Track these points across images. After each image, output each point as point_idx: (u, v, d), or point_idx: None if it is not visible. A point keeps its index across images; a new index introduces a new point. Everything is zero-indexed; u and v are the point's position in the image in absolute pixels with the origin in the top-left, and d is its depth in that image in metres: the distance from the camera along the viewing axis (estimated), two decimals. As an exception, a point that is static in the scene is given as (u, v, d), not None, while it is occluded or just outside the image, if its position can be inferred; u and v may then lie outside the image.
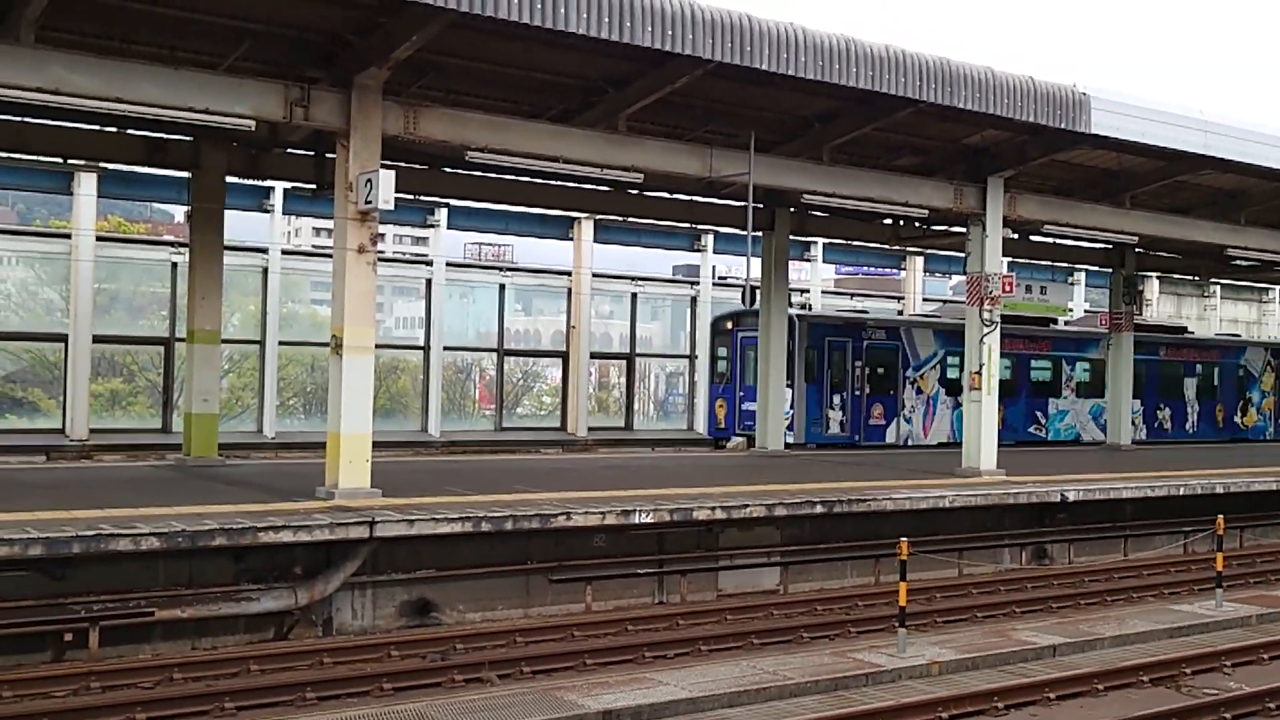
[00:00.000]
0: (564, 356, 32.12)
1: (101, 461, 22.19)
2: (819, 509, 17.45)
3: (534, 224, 31.42)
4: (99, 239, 25.84)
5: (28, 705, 10.78)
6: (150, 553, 12.77)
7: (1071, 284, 39.29)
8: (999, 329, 21.86)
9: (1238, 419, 37.80)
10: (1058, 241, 29.42)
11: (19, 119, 18.21)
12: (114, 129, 19.20)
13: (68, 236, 26.21)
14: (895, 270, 39.91)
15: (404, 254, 42.07)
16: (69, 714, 10.55)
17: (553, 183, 22.65)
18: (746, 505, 16.82)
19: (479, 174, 21.91)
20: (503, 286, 31.90)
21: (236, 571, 13.68)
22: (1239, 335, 43.06)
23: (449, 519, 14.39)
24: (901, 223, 26.34)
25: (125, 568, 12.96)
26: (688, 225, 30.91)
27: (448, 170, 21.82)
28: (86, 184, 25.11)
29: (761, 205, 24.51)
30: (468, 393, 33.80)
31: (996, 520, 20.27)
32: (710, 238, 33.84)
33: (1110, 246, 30.11)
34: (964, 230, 22.49)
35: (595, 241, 32.11)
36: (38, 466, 19.47)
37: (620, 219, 29.92)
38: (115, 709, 10.71)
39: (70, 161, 20.73)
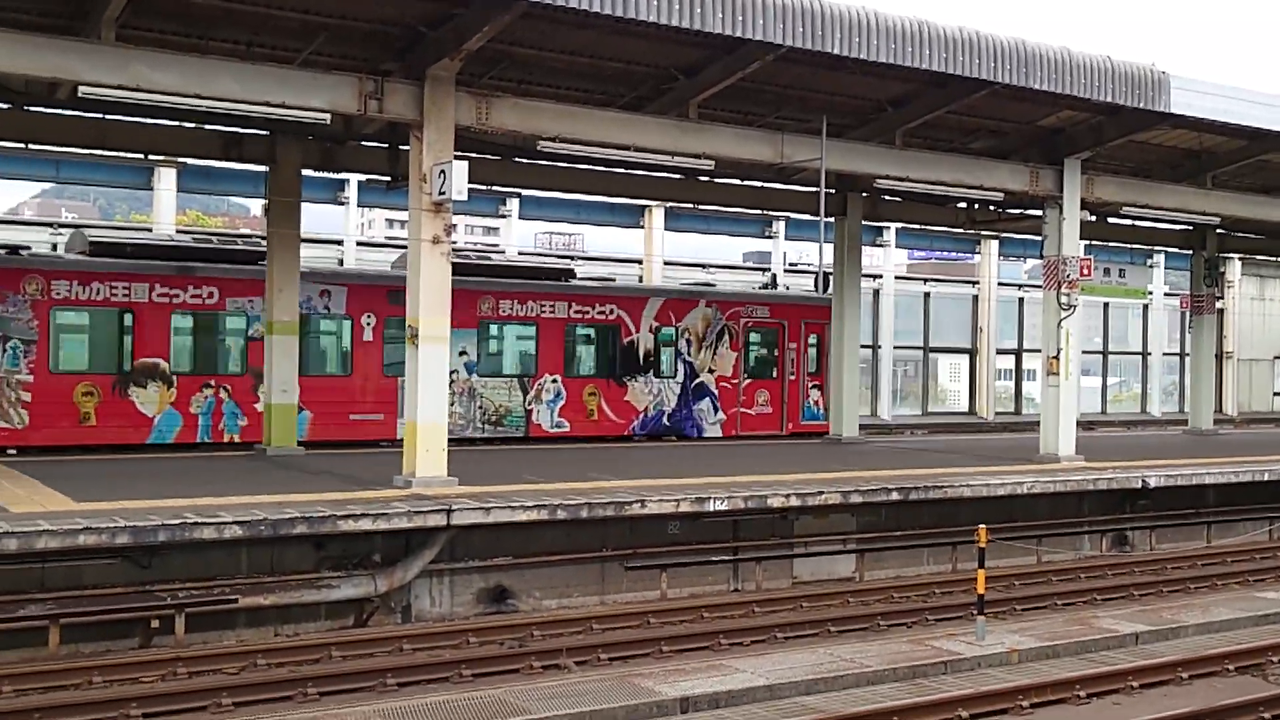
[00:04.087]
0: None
1: (185, 452, 22.56)
2: (895, 495, 17.34)
3: (604, 212, 31.49)
4: (178, 232, 26.26)
5: (117, 690, 11.01)
6: (234, 541, 13.01)
7: (1151, 266, 38.60)
8: (1076, 312, 21.55)
9: None
10: (1136, 223, 28.94)
11: (101, 116, 18.60)
12: (192, 125, 19.55)
13: (149, 230, 26.70)
14: (970, 254, 39.48)
15: (475, 244, 42.30)
16: (157, 699, 10.74)
17: (624, 171, 22.70)
18: (821, 492, 16.74)
19: (550, 163, 21.99)
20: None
21: (318, 559, 13.89)
22: None
23: (525, 507, 14.49)
24: (976, 206, 26.04)
25: (210, 555, 13.21)
26: (759, 211, 30.77)
27: (519, 160, 21.95)
28: (166, 179, 25.59)
29: (834, 190, 24.30)
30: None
31: (1076, 507, 20.01)
32: (781, 224, 33.72)
33: (1191, 228, 29.57)
34: (1040, 213, 22.18)
35: (666, 229, 32.10)
36: (122, 457, 19.85)
37: (691, 206, 29.87)
38: (202, 694, 10.91)
39: (151, 157, 21.07)
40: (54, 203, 63.15)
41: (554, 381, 25.09)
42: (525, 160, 21.97)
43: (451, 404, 22.66)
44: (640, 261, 32.14)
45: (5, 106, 18.30)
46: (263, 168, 21.07)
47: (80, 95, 14.55)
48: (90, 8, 14.71)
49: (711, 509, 15.83)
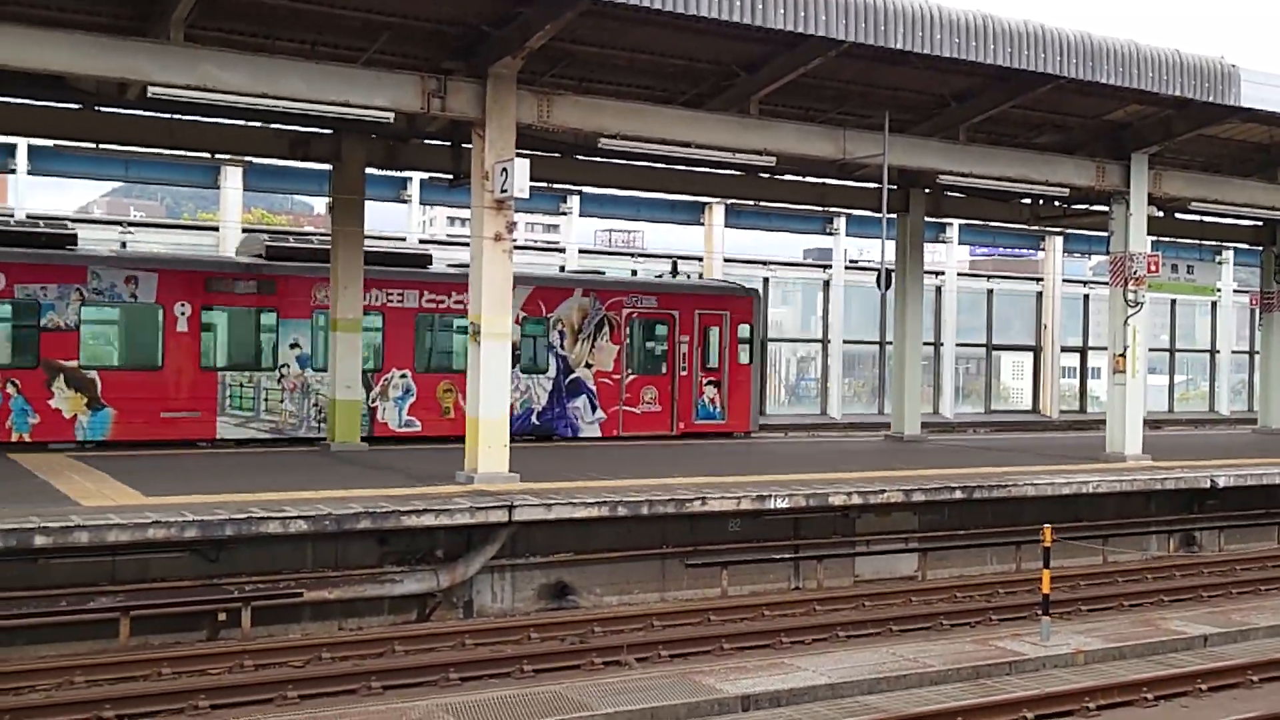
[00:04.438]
0: (695, 342, 32.11)
1: (251, 448, 22.82)
2: (958, 494, 17.20)
3: (664, 209, 31.48)
4: (244, 231, 26.59)
5: (186, 682, 11.17)
6: (299, 535, 13.16)
7: (1219, 263, 37.97)
8: (1143, 309, 21.26)
9: None
10: (1204, 219, 28.45)
11: (169, 116, 18.87)
12: (258, 124, 19.79)
13: (215, 229, 27.07)
14: (1034, 251, 39.05)
15: (535, 241, 42.48)
16: (224, 691, 10.89)
17: (684, 168, 22.67)
18: (883, 490, 16.64)
19: (610, 161, 22.02)
20: (634, 272, 31.93)
21: (381, 554, 14.03)
22: None
23: (586, 503, 14.53)
24: (1040, 202, 25.72)
25: (275, 550, 13.38)
26: (820, 208, 30.59)
27: (580, 158, 21.99)
28: (233, 178, 25.92)
29: (896, 186, 24.18)
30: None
31: (1142, 506, 19.74)
32: (843, 220, 33.51)
33: (1260, 224, 29.03)
34: (1106, 209, 21.89)
35: (726, 226, 32.03)
36: (190, 453, 20.14)
37: (752, 203, 29.77)
38: (268, 687, 11.04)
39: (217, 156, 21.36)
40: (122, 201, 64.20)
41: (403, 377, 22.89)
42: (585, 158, 22.02)
43: (281, 400, 21.81)
44: (700, 259, 32.07)
45: (77, 107, 18.62)
46: (327, 166, 21.27)
47: (150, 96, 14.76)
48: (159, 9, 14.92)
49: (772, 506, 15.79)
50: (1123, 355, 21.09)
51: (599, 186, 26.65)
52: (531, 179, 15.61)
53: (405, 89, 15.55)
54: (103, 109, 18.78)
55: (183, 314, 21.12)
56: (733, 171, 23.43)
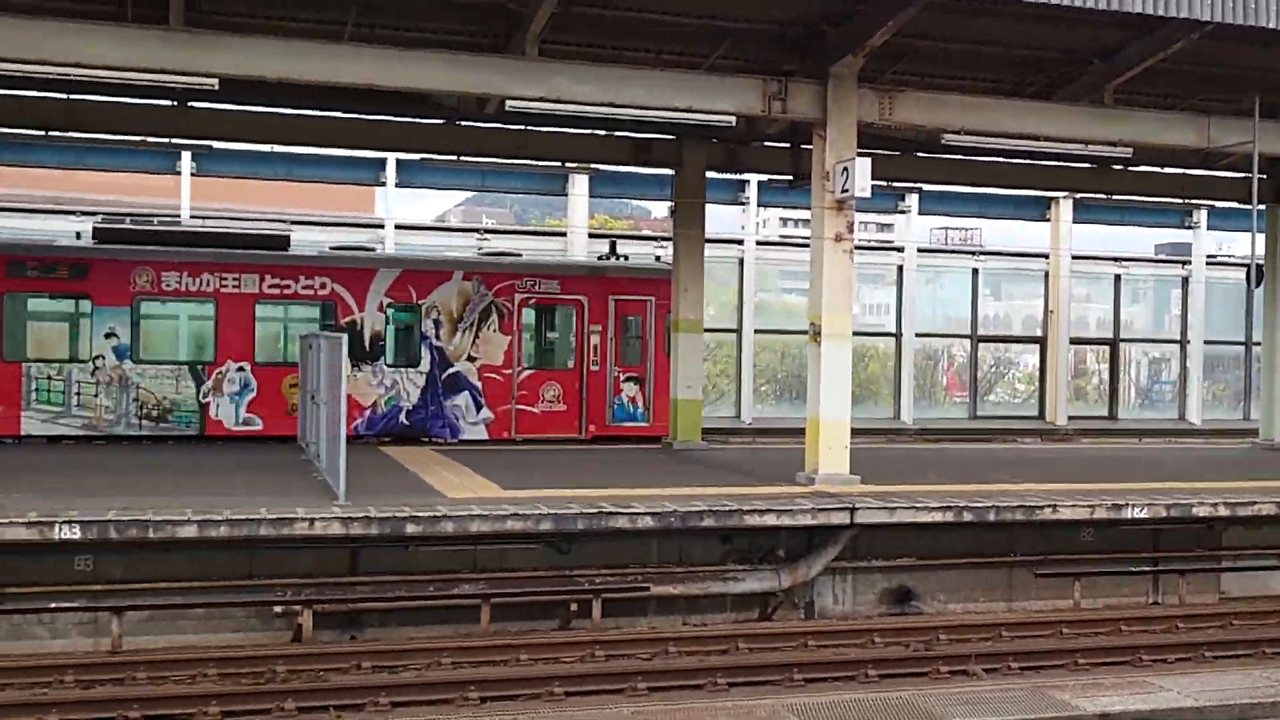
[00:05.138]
0: (1040, 342, 30.96)
1: (598, 445, 23.62)
2: (1341, 508, 15.80)
3: (1007, 205, 30.42)
4: (590, 235, 27.56)
5: (541, 669, 11.66)
6: (645, 531, 13.52)
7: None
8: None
9: None
10: None
11: (522, 128, 19.81)
12: (603, 132, 20.49)
13: (563, 234, 28.20)
14: None
15: (869, 241, 42.00)
16: (577, 679, 11.29)
17: (1028, 162, 21.86)
18: (1254, 502, 15.49)
19: (951, 157, 21.51)
20: (975, 271, 31.09)
21: (723, 552, 14.22)
22: None
23: (930, 507, 14.25)
24: None
25: (623, 544, 13.79)
26: (1179, 201, 28.80)
27: (920, 155, 21.59)
28: (579, 184, 26.92)
29: (1265, 175, 22.45)
30: (936, 379, 33.31)
31: None
32: (1204, 213, 31.41)
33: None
34: None
35: (1074, 221, 30.64)
36: (546, 449, 21.00)
37: (1104, 197, 28.33)
38: (617, 677, 11.37)
39: (566, 165, 22.26)
40: (475, 209, 67.89)
41: (240, 370, 20.86)
42: (925, 154, 21.61)
43: (95, 394, 20.11)
44: (1046, 256, 30.84)
45: (440, 122, 19.85)
46: (669, 171, 21.77)
47: (507, 109, 15.54)
48: (515, 27, 15.69)
49: (1130, 516, 14.98)
50: None
51: (938, 183, 26.04)
52: (871, 178, 15.47)
53: (747, 92, 15.73)
54: (462, 123, 19.93)
55: None
56: (1081, 164, 22.41)
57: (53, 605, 12.03)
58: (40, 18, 13.84)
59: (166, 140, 20.34)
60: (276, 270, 21.00)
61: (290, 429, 20.43)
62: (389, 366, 21.36)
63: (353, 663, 11.50)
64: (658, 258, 23.39)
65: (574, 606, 13.14)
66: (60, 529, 11.69)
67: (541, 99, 15.17)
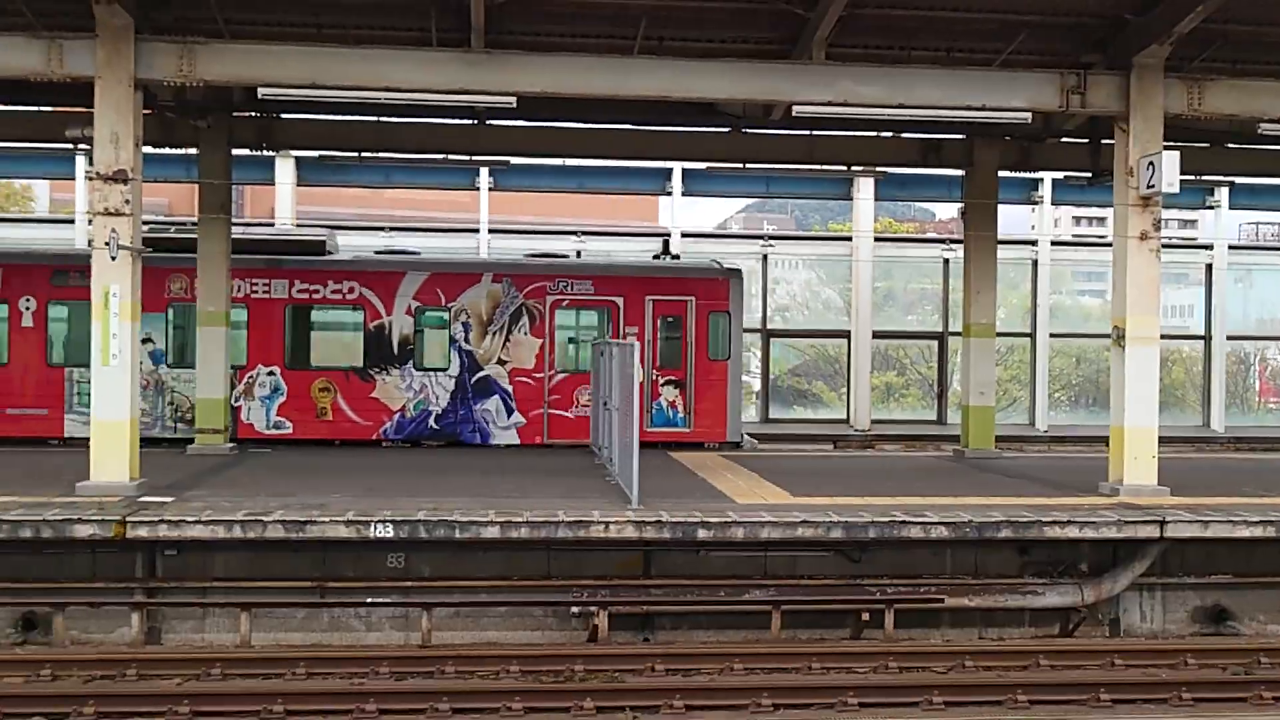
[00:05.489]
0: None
1: (882, 451, 23.35)
2: None
3: (1330, 198, 28.27)
4: (876, 239, 27.24)
5: (833, 678, 11.53)
6: (939, 541, 13.22)
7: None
8: None
9: None
10: None
11: (808, 133, 19.74)
12: (889, 134, 20.18)
13: (848, 239, 27.97)
14: None
15: (1170, 239, 39.82)
16: (870, 690, 11.09)
17: (1359, 149, 20.23)
18: None
19: (1269, 148, 20.12)
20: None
21: (1020, 564, 13.74)
22: None
23: (1248, 521, 13.36)
24: None
25: (915, 554, 13.52)
26: None
27: (1231, 146, 20.33)
28: (865, 188, 26.62)
29: None
30: (1248, 385, 31.29)
31: None
32: None
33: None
34: None
35: None
36: (827, 455, 20.92)
37: None
38: (913, 690, 11.11)
39: (852, 168, 22.02)
40: (755, 216, 68.12)
41: (270, 374, 21.03)
42: (1237, 146, 20.32)
43: None
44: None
45: (725, 130, 20.00)
46: (958, 172, 21.25)
47: (794, 114, 15.51)
48: (801, 31, 15.62)
49: None
50: None
51: (1251, 176, 24.40)
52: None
53: (1043, 87, 15.19)
54: (748, 130, 20.02)
55: (28, 309, 20.68)
56: None
57: (368, 600, 12.76)
58: (353, 46, 14.75)
59: (467, 157, 21.21)
60: (306, 275, 21.21)
61: (319, 433, 20.93)
62: (418, 370, 21.24)
63: (647, 664, 11.68)
64: (716, 261, 22.89)
65: (865, 616, 12.96)
66: (375, 528, 12.39)
67: (829, 103, 15.07)
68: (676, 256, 22.97)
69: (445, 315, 21.34)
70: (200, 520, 12.42)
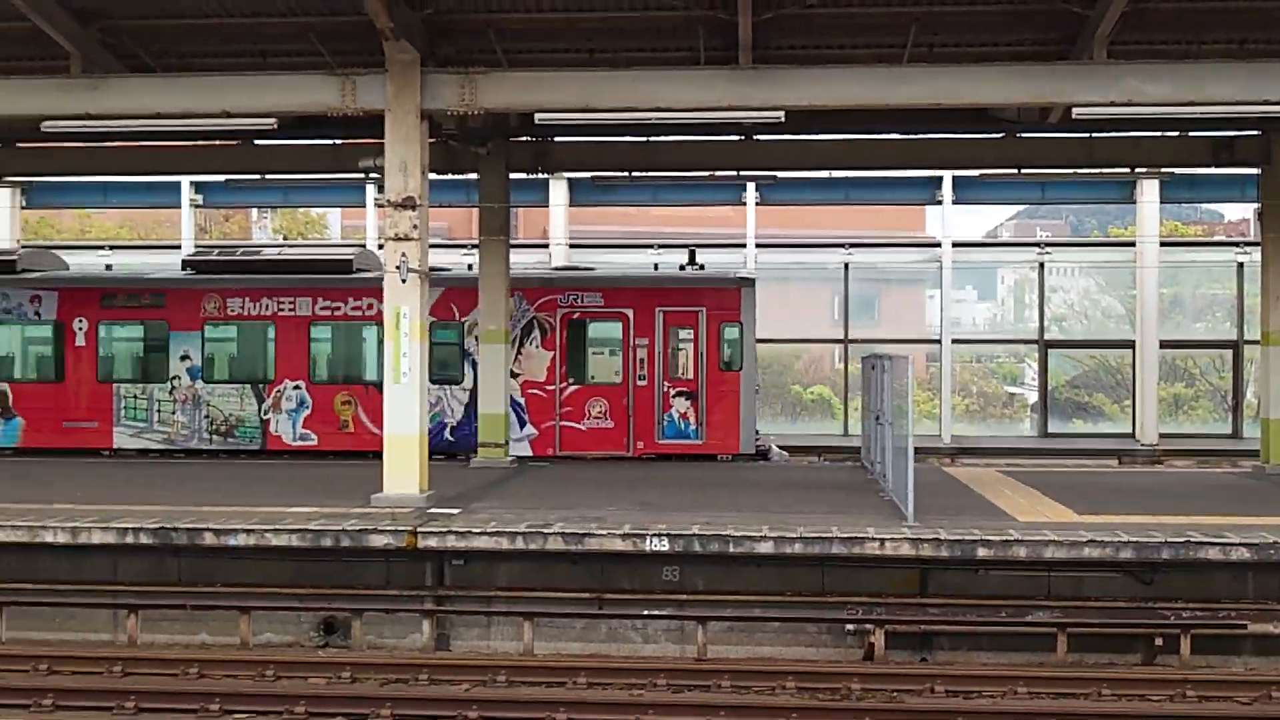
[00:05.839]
0: None
1: (1172, 466, 22.18)
2: None
3: None
4: (1162, 244, 25.93)
5: (1125, 705, 10.97)
6: (1239, 563, 12.44)
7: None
8: None
9: None
10: None
11: (1086, 135, 18.99)
12: (1175, 133, 19.19)
13: (1130, 244, 26.70)
14: None
15: None
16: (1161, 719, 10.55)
17: None
18: None
19: None
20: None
21: (1335, 590, 12.77)
22: None
23: None
24: None
25: (1213, 577, 12.75)
26: None
27: None
28: (1149, 191, 25.37)
29: None
30: None
31: None
32: None
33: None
34: None
35: None
36: (1112, 470, 20.03)
37: None
38: (1212, 721, 10.52)
39: (1136, 170, 21.03)
40: (1027, 223, 65.91)
41: (296, 388, 21.72)
42: None
43: (173, 412, 21.77)
44: None
45: (998, 135, 19.44)
46: (1252, 170, 20.01)
47: (1074, 116, 14.95)
48: (1080, 30, 15.05)
49: None
50: None
51: None
52: None
53: (1351, 76, 14.16)
54: (1022, 134, 19.40)
55: (80, 329, 22.15)
56: None
57: (645, 612, 12.95)
58: (624, 69, 15.08)
59: (734, 173, 21.35)
60: (328, 293, 21.99)
61: (342, 445, 21.55)
62: (433, 383, 20.70)
63: (926, 685, 11.40)
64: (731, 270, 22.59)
65: (1159, 641, 12.29)
66: (651, 541, 12.58)
67: (1111, 103, 14.46)
68: (701, 266, 22.95)
69: (459, 329, 21.84)
70: (486, 532, 12.91)
